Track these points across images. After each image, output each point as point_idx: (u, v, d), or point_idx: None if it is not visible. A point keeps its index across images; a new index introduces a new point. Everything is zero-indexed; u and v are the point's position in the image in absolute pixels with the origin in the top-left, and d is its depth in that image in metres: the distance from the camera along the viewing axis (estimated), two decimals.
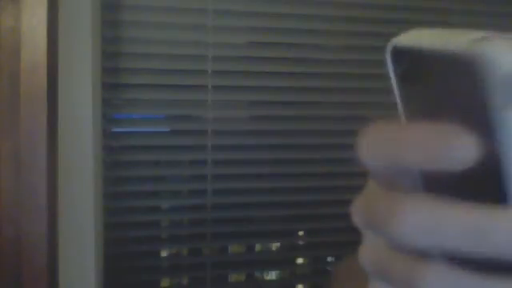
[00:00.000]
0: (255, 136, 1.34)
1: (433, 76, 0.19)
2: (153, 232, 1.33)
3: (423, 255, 0.19)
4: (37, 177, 1.03)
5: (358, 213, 0.21)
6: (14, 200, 1.02)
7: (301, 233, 1.43)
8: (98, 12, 1.20)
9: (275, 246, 1.42)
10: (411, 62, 0.20)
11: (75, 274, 1.13)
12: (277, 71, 1.34)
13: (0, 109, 1.01)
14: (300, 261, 1.43)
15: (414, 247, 0.19)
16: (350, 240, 1.38)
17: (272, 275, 1.43)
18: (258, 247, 1.40)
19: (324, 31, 1.36)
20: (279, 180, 1.35)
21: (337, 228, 1.38)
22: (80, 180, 1.13)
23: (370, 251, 0.22)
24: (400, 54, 0.20)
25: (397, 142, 0.19)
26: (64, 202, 1.11)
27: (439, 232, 0.18)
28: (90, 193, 1.13)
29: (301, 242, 1.45)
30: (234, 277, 1.40)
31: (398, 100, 0.21)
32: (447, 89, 0.19)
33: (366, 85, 1.38)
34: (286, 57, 1.34)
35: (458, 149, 0.17)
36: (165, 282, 1.36)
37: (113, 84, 1.24)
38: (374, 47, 1.38)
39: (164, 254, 1.35)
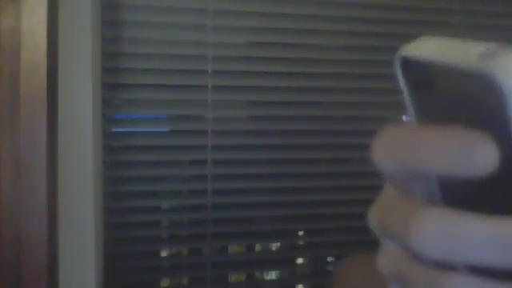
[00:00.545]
0: (255, 136, 1.34)
1: (444, 86, 0.19)
2: (153, 232, 1.33)
3: (442, 265, 0.19)
4: (37, 177, 1.03)
5: (374, 220, 0.21)
6: (13, 200, 1.02)
7: (301, 233, 1.43)
8: (98, 12, 1.20)
9: (275, 245, 1.42)
10: (421, 72, 0.20)
11: (75, 274, 1.12)
12: (277, 71, 1.34)
13: (0, 109, 1.01)
14: (300, 261, 1.43)
15: (433, 259, 0.18)
16: (350, 240, 1.38)
17: (272, 275, 1.43)
18: (258, 247, 1.40)
19: (324, 31, 1.36)
20: (279, 180, 1.35)
21: (337, 228, 1.38)
22: (80, 180, 1.13)
23: (388, 259, 0.21)
24: (409, 63, 0.20)
25: (415, 145, 0.18)
26: (64, 202, 1.11)
27: (461, 244, 0.17)
28: (90, 193, 1.13)
29: (301, 242, 1.45)
30: (234, 277, 1.40)
31: (409, 105, 0.21)
32: (459, 99, 0.19)
33: (366, 85, 1.38)
34: (286, 57, 1.34)
35: (479, 154, 0.17)
36: (165, 281, 1.36)
37: (113, 84, 1.24)
38: (374, 47, 1.38)
39: (164, 253, 1.35)
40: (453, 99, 0.19)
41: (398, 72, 0.21)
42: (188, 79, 1.29)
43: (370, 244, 0.24)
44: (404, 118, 0.22)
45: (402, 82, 0.21)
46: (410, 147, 0.19)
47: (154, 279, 1.32)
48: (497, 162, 0.17)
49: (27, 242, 1.02)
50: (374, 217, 0.21)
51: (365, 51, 1.38)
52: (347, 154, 1.40)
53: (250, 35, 1.34)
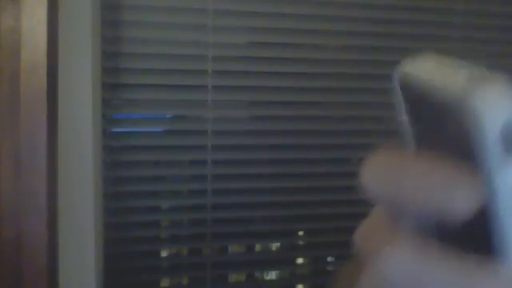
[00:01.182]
0: (255, 136, 1.34)
1: (435, 109, 0.19)
2: (153, 232, 1.33)
3: None
4: (37, 177, 1.03)
5: (357, 241, 0.22)
6: (13, 200, 1.02)
7: (301, 233, 1.43)
8: (98, 12, 1.20)
9: (275, 246, 1.42)
10: (415, 90, 0.20)
11: (75, 274, 1.13)
12: (277, 71, 1.34)
13: (0, 109, 1.01)
14: (300, 261, 1.43)
15: None
16: (350, 240, 1.38)
17: (272, 275, 1.43)
18: (258, 247, 1.40)
19: (324, 31, 1.36)
20: (279, 180, 1.35)
21: (337, 228, 1.38)
22: (80, 180, 1.13)
23: (369, 282, 0.22)
24: (406, 80, 0.21)
25: (396, 180, 0.19)
26: (64, 202, 1.11)
27: (422, 281, 0.18)
28: (90, 193, 1.13)
29: (301, 242, 1.45)
30: (234, 277, 1.40)
31: (405, 120, 0.22)
32: (446, 123, 0.19)
33: (366, 85, 1.38)
34: (286, 57, 1.34)
35: (457, 201, 0.17)
36: (165, 281, 1.36)
37: (113, 84, 1.24)
38: (374, 47, 1.38)
39: (164, 254, 1.35)
40: (440, 122, 0.19)
41: (396, 87, 0.21)
42: (188, 79, 1.29)
43: None
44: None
45: (398, 97, 0.21)
46: (391, 181, 0.19)
47: (154, 279, 1.32)
48: (472, 208, 0.17)
49: (27, 242, 1.02)
50: (358, 237, 0.22)
51: (365, 51, 1.38)
52: (347, 154, 1.40)
53: (250, 35, 1.34)
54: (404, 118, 0.22)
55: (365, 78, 1.38)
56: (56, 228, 1.09)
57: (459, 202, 0.17)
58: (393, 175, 0.19)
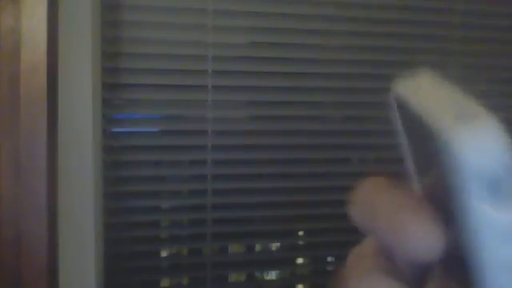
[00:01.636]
0: (255, 136, 1.34)
1: (425, 134, 0.19)
2: (153, 232, 1.33)
3: None
4: (37, 177, 1.03)
5: (347, 266, 0.22)
6: (13, 200, 1.02)
7: (301, 233, 1.43)
8: (98, 12, 1.20)
9: (275, 246, 1.42)
10: (408, 112, 0.20)
11: (75, 274, 1.13)
12: (277, 71, 1.34)
13: (0, 109, 1.01)
14: (300, 261, 1.43)
15: None
16: (350, 240, 1.38)
17: (272, 275, 1.43)
18: (258, 247, 1.40)
19: (324, 31, 1.36)
20: (279, 180, 1.35)
21: (337, 228, 1.38)
22: (80, 180, 1.13)
23: None
24: (400, 100, 0.21)
25: (371, 215, 0.19)
26: (64, 202, 1.11)
27: None
28: (90, 193, 1.13)
29: (301, 242, 1.45)
30: (234, 277, 1.40)
31: (400, 137, 0.22)
32: (435, 154, 0.19)
33: (366, 85, 1.38)
34: (286, 57, 1.34)
35: (417, 242, 0.17)
36: (165, 281, 1.36)
37: (113, 84, 1.24)
38: (375, 47, 1.38)
39: (164, 254, 1.35)
40: (429, 147, 0.19)
41: (392, 104, 0.21)
42: (188, 79, 1.29)
43: None
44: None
45: (394, 114, 0.21)
46: (370, 216, 0.20)
47: (154, 279, 1.32)
48: (439, 250, 0.17)
49: (27, 243, 1.02)
50: (348, 263, 0.23)
51: (365, 51, 1.38)
52: (347, 154, 1.40)
53: (250, 35, 1.34)
54: (399, 134, 0.22)
55: (365, 78, 1.38)
56: (56, 228, 1.09)
57: (415, 244, 0.17)
58: (369, 209, 0.20)
